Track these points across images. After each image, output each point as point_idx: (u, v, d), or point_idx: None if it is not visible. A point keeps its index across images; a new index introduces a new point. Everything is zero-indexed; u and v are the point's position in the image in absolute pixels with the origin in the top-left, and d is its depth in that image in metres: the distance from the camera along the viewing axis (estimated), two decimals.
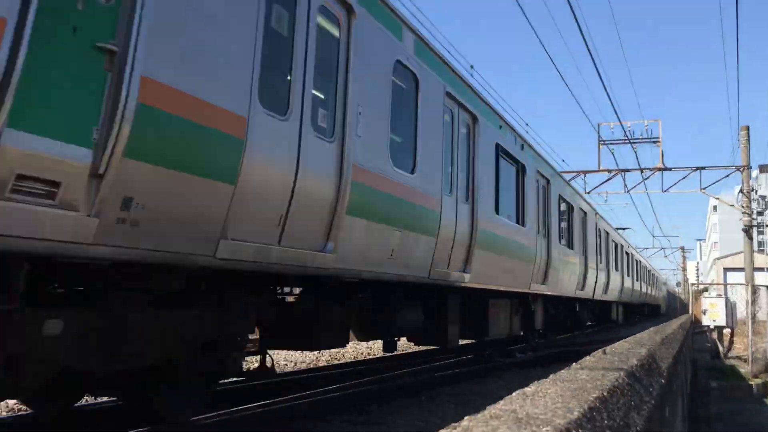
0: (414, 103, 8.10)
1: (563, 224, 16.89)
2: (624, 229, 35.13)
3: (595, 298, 21.85)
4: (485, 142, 10.59)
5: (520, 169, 12.98)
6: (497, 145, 11.37)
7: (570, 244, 17.49)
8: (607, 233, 24.77)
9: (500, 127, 11.75)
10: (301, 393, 7.97)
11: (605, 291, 23.79)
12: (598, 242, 22.18)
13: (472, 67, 16.56)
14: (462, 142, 9.75)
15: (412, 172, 7.84)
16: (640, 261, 39.96)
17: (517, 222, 12.53)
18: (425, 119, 8.31)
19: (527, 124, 51.32)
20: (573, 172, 30.41)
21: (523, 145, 13.26)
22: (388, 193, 7.22)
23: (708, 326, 29.20)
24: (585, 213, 19.98)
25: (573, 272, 17.68)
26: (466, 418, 1.68)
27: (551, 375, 2.75)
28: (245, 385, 8.38)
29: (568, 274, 17.05)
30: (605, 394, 2.41)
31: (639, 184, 29.54)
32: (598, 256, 21.95)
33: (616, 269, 26.96)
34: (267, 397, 7.83)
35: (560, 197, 16.49)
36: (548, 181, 15.16)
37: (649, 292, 45.37)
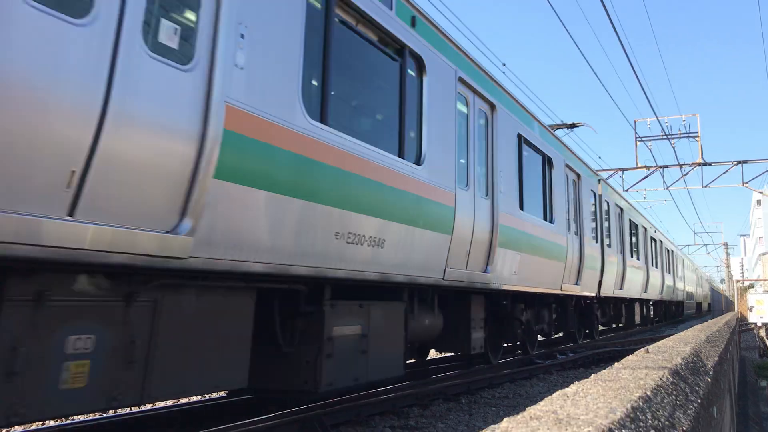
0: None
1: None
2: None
3: (653, 298, 26.38)
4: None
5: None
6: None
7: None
8: (661, 242, 28.87)
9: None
10: (341, 397, 7.98)
11: (661, 292, 28.15)
12: (654, 250, 26.64)
13: (504, 65, 16.54)
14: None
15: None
16: (689, 264, 43.56)
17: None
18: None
19: (562, 122, 50.68)
20: (610, 170, 29.94)
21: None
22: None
23: (755, 323, 28.42)
24: (645, 229, 24.60)
25: (639, 278, 22.27)
26: (505, 419, 1.67)
27: (592, 375, 2.70)
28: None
29: (636, 280, 21.62)
30: (649, 393, 2.36)
31: (678, 180, 28.98)
32: (655, 263, 26.64)
33: (668, 272, 31.18)
34: (306, 402, 7.85)
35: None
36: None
37: (694, 290, 46.77)
